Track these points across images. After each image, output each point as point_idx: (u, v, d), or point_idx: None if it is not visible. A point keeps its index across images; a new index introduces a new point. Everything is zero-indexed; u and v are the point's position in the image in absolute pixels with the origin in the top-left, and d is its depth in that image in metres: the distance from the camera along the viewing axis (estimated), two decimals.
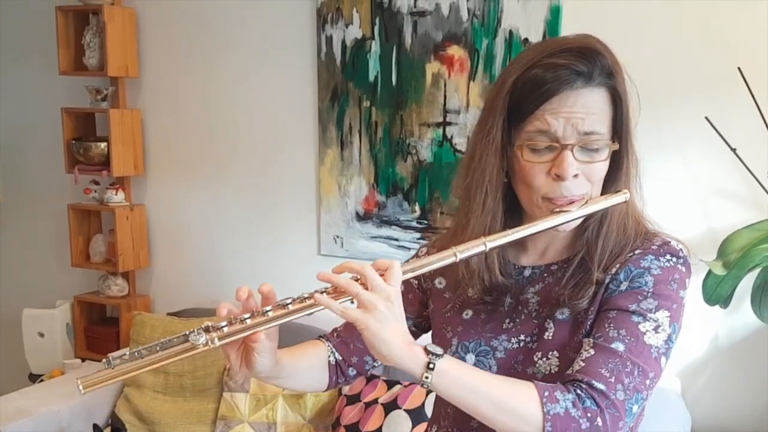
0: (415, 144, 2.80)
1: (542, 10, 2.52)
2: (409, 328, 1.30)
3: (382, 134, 2.86)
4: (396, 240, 2.88)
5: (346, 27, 2.86)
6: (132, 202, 3.37)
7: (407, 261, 1.18)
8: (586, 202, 1.12)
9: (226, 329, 1.03)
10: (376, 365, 1.39)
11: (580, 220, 1.15)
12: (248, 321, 1.03)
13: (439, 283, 1.32)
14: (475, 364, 1.20)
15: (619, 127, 1.15)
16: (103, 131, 3.35)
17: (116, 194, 3.30)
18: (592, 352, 1.08)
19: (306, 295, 1.04)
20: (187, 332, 1.02)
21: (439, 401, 1.34)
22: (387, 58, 2.81)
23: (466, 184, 1.20)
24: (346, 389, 2.49)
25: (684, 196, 2.37)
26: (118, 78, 3.26)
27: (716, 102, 2.26)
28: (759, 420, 2.37)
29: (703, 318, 2.39)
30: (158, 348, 1.02)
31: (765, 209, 2.20)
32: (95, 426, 2.61)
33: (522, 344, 1.19)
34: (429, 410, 2.14)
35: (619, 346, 1.07)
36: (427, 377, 1.02)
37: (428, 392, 2.29)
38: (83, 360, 3.31)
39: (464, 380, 1.03)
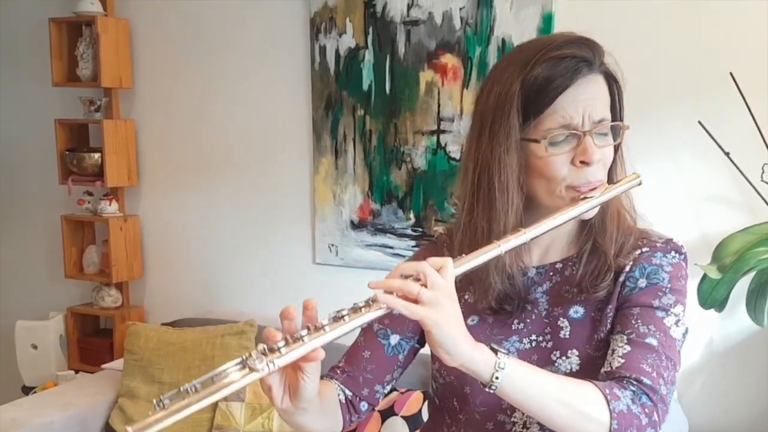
0: (409, 152, 2.81)
1: (535, 18, 2.54)
2: (413, 346, 1.29)
3: (377, 143, 2.86)
4: (391, 248, 2.88)
5: (340, 36, 2.87)
6: (125, 213, 3.37)
7: (410, 258, 1.15)
8: (606, 188, 1.15)
9: (283, 349, 0.93)
10: (386, 392, 1.32)
11: (598, 209, 1.16)
12: (305, 338, 0.94)
13: None
14: None
15: (618, 110, 1.19)
16: (96, 142, 3.35)
17: (110, 205, 3.30)
18: (629, 348, 1.10)
19: (361, 304, 0.98)
20: (244, 357, 0.92)
21: (442, 411, 1.28)
22: (380, 67, 2.82)
23: (487, 186, 1.16)
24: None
25: (677, 201, 2.38)
26: (111, 89, 3.27)
27: (708, 107, 2.27)
28: (756, 423, 2.37)
29: (698, 322, 2.38)
30: (213, 379, 0.90)
31: (758, 213, 2.21)
32: None
33: (535, 344, 1.19)
34: (425, 416, 2.13)
35: (653, 341, 1.10)
36: (497, 377, 0.99)
37: (425, 399, 2.29)
38: (77, 372, 3.29)
39: (532, 379, 1.02)
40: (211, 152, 3.20)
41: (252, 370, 0.90)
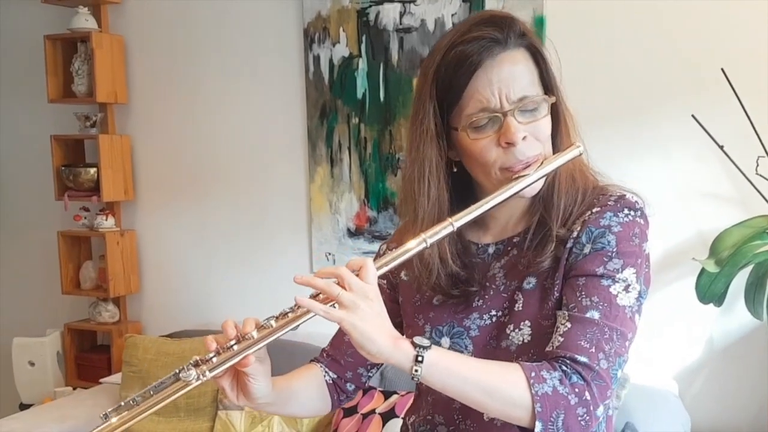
0: (404, 159, 2.81)
1: (526, 20, 2.53)
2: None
3: (372, 150, 2.87)
4: None
5: (333, 46, 2.89)
6: (122, 228, 3.37)
7: (376, 258, 1.18)
8: (542, 163, 1.13)
9: (215, 360, 1.03)
10: (371, 375, 1.37)
11: (542, 182, 1.15)
12: (235, 347, 1.03)
13: (405, 275, 1.31)
14: (450, 347, 1.20)
15: (548, 82, 1.16)
16: (92, 157, 3.35)
17: (106, 220, 3.30)
18: (569, 325, 1.08)
19: (287, 310, 1.04)
20: (177, 371, 1.02)
21: (420, 393, 1.32)
22: (374, 75, 2.84)
23: (408, 177, 1.19)
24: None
25: (672, 196, 2.39)
26: (106, 104, 3.28)
27: (702, 103, 2.29)
28: (758, 418, 2.36)
29: (697, 319, 2.40)
30: (151, 392, 1.02)
31: (754, 206, 2.22)
32: None
33: (495, 319, 1.19)
34: None
35: (594, 314, 1.08)
36: (416, 370, 1.02)
37: None
38: (74, 388, 3.27)
39: (453, 369, 1.04)
40: (207, 165, 3.21)
41: (184, 381, 1.01)
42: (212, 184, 3.21)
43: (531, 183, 1.12)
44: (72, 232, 3.36)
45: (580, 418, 1.03)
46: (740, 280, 2.19)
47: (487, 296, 1.20)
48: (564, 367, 1.05)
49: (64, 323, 3.40)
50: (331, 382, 1.32)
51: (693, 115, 2.20)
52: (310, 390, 1.30)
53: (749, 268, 2.19)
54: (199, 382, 1.02)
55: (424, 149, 1.16)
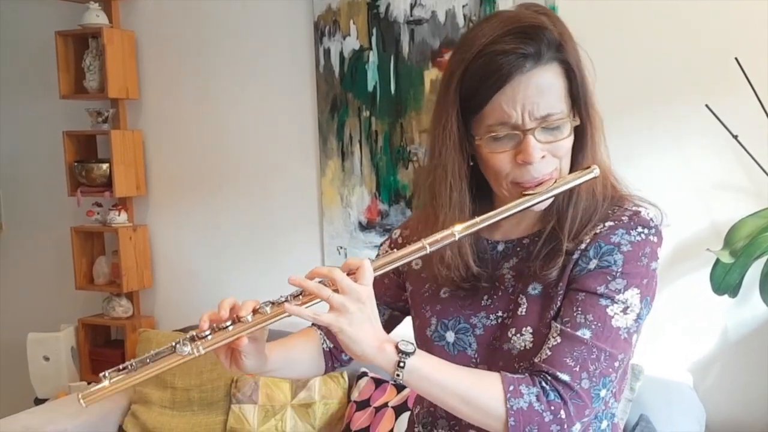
0: (416, 151, 2.81)
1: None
2: (390, 314, 1.36)
3: (383, 143, 2.87)
4: None
5: (344, 39, 2.88)
6: (135, 223, 3.37)
7: (378, 256, 1.17)
8: (555, 181, 1.11)
9: (210, 338, 1.07)
10: None
11: (551, 200, 1.13)
12: (230, 328, 1.07)
13: (416, 264, 1.30)
14: (454, 342, 1.21)
15: (577, 98, 1.12)
16: (104, 153, 3.36)
17: (119, 215, 3.31)
18: (559, 339, 1.08)
19: (283, 299, 1.07)
20: (174, 343, 1.07)
21: None
22: (385, 68, 2.83)
23: (430, 183, 1.19)
24: (355, 395, 2.47)
25: (686, 188, 2.37)
26: (118, 100, 3.29)
27: (715, 93, 2.26)
28: None
29: (712, 311, 2.38)
30: (148, 360, 1.07)
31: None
32: None
33: (500, 320, 1.18)
34: None
35: (586, 333, 1.08)
36: (398, 375, 1.05)
37: None
38: (89, 383, 3.28)
39: (433, 377, 1.06)
40: (218, 159, 3.22)
41: (179, 354, 1.06)
42: (223, 179, 3.21)
43: (539, 201, 1.11)
44: (85, 228, 3.37)
45: None
46: (755, 271, 2.18)
47: (495, 296, 1.20)
48: (544, 384, 1.06)
49: (78, 318, 3.42)
50: (327, 350, 1.36)
51: (707, 105, 2.18)
52: (307, 358, 1.34)
53: (764, 258, 2.17)
54: (192, 356, 1.06)
55: (446, 155, 1.15)
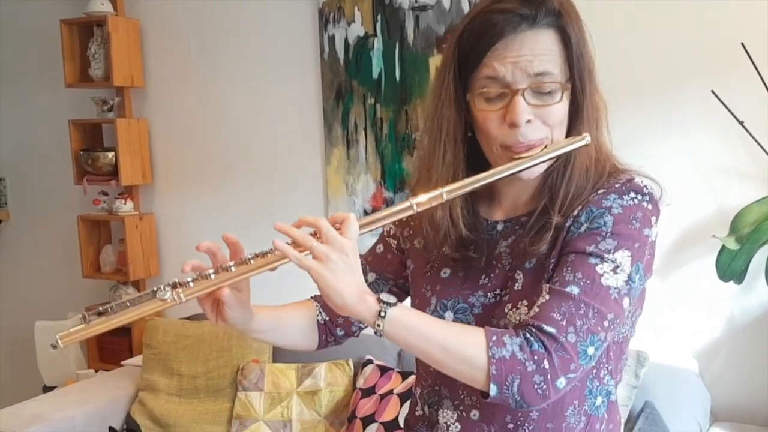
0: (421, 139, 2.80)
1: None
2: (390, 289, 1.35)
3: (388, 130, 2.86)
4: None
5: (348, 25, 2.87)
6: (141, 211, 3.38)
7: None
8: (546, 147, 1.10)
9: (192, 285, 1.06)
10: (363, 327, 1.37)
11: (544, 166, 1.13)
12: (213, 276, 1.07)
13: (418, 243, 1.30)
14: (453, 321, 1.21)
15: (573, 68, 1.12)
16: (110, 141, 3.37)
17: (125, 203, 3.31)
18: (548, 297, 1.07)
19: (267, 251, 1.07)
20: (155, 288, 1.05)
21: (420, 361, 1.32)
22: (390, 55, 2.82)
23: (426, 143, 1.20)
24: (360, 382, 2.48)
25: (692, 174, 2.36)
26: (123, 88, 3.29)
27: (721, 79, 2.25)
28: None
29: (718, 297, 2.37)
30: (128, 304, 1.05)
31: None
32: (111, 429, 2.60)
33: (498, 298, 1.18)
34: None
35: (574, 289, 1.06)
36: (378, 325, 1.05)
37: None
38: (97, 371, 3.30)
39: (414, 327, 1.06)
40: (224, 147, 3.22)
41: (160, 300, 1.05)
42: (229, 167, 3.21)
43: (529, 166, 1.10)
44: (91, 216, 3.39)
45: (536, 386, 1.02)
46: (761, 257, 2.17)
47: (492, 275, 1.20)
48: (528, 335, 1.04)
49: (85, 307, 3.43)
50: (322, 322, 1.34)
51: (713, 91, 2.17)
52: (300, 325, 1.32)
53: None
54: (174, 303, 1.05)
55: (442, 111, 1.16)
